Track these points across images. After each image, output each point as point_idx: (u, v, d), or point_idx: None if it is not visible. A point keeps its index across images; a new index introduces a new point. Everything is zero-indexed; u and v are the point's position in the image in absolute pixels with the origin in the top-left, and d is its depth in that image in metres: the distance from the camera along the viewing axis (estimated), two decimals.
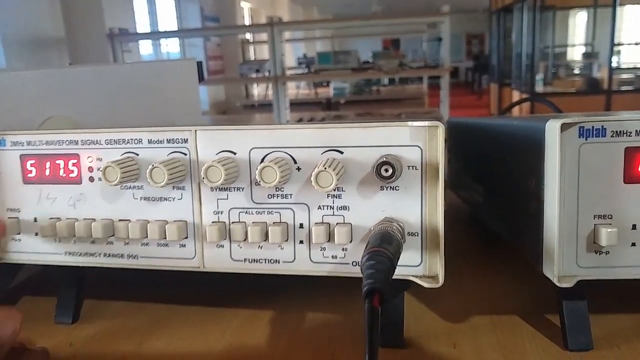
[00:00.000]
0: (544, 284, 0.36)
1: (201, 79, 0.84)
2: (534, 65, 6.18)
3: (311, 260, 0.38)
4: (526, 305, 0.43)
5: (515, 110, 5.11)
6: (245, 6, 9.37)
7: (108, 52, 4.45)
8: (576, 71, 7.66)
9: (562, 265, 0.35)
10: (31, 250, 0.43)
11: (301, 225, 0.38)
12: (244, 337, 0.40)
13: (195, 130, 0.38)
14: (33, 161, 0.41)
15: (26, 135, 0.41)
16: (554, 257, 0.34)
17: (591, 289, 0.36)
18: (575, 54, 8.38)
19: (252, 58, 8.48)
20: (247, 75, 6.14)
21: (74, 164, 0.41)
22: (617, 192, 0.34)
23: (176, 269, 0.40)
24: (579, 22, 8.36)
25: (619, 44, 6.90)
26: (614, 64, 6.04)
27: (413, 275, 0.36)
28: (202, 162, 0.38)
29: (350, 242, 0.37)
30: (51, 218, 0.41)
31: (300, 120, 4.54)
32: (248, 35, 8.70)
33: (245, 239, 0.38)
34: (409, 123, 0.35)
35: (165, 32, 6.71)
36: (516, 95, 6.56)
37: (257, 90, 8.27)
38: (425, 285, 0.36)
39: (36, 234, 0.42)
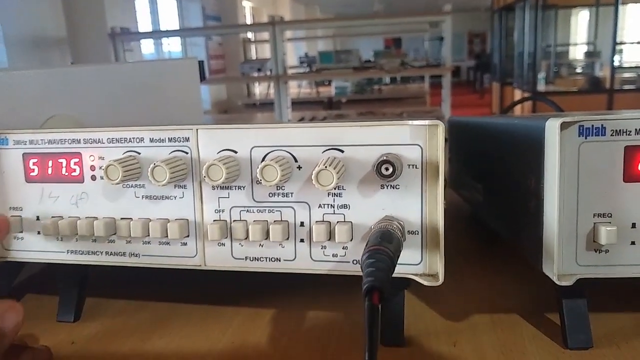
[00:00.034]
0: (544, 282, 0.36)
1: (203, 78, 0.85)
2: (536, 64, 6.17)
3: (312, 259, 0.38)
4: (526, 304, 0.43)
5: (517, 109, 5.11)
6: (247, 5, 9.36)
7: (110, 52, 4.45)
8: (578, 70, 7.64)
9: (561, 264, 0.35)
10: (33, 248, 0.43)
11: (302, 224, 0.38)
12: (245, 336, 0.40)
13: (197, 129, 0.39)
14: (35, 160, 0.42)
15: (28, 134, 0.42)
16: (554, 255, 0.34)
17: (591, 287, 0.36)
18: (577, 52, 8.36)
19: (254, 57, 8.47)
20: (248, 75, 6.14)
21: (76, 163, 0.41)
22: (616, 191, 0.34)
23: (178, 267, 0.40)
24: (581, 21, 8.35)
25: (621, 43, 6.88)
26: (616, 63, 6.03)
27: (413, 274, 0.36)
28: (204, 160, 0.38)
29: (351, 240, 0.37)
30: (53, 217, 0.42)
31: (301, 120, 4.54)
32: (250, 35, 8.70)
33: (247, 237, 0.38)
34: (409, 122, 0.35)
35: (167, 31, 6.71)
36: (518, 94, 6.55)
37: (259, 90, 8.27)
38: (426, 283, 0.36)
39: (38, 233, 0.42)
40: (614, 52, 5.75)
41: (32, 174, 0.42)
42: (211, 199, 0.39)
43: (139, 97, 0.70)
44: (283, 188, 0.38)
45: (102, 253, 0.42)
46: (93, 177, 0.41)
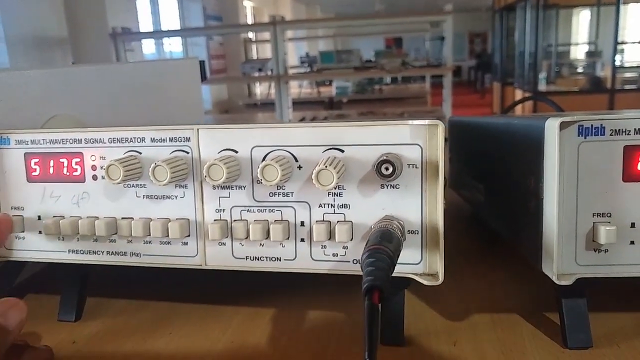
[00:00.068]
0: (544, 282, 0.36)
1: (204, 78, 0.85)
2: (537, 64, 6.16)
3: (312, 258, 0.38)
4: (526, 303, 0.43)
5: (518, 109, 5.11)
6: (248, 5, 9.37)
7: (111, 52, 4.45)
8: (579, 70, 7.64)
9: (561, 263, 0.35)
10: (35, 248, 0.43)
11: (302, 223, 0.38)
12: (245, 335, 0.41)
13: (198, 129, 0.39)
14: (37, 160, 0.42)
15: (30, 134, 0.42)
16: (553, 255, 0.34)
17: (590, 287, 0.36)
18: (578, 52, 8.36)
19: (255, 57, 8.48)
20: (249, 74, 6.14)
21: (77, 163, 0.41)
22: (616, 191, 0.34)
23: (178, 267, 0.40)
24: (582, 21, 8.34)
25: (622, 43, 6.86)
26: (617, 63, 6.02)
27: (413, 273, 0.37)
28: (204, 160, 0.38)
29: (351, 240, 0.37)
30: (55, 216, 0.42)
31: (302, 120, 4.54)
32: (250, 34, 8.70)
33: (247, 237, 0.38)
34: (409, 122, 0.35)
35: (168, 31, 6.71)
36: (519, 94, 6.55)
37: (260, 89, 8.27)
38: (425, 282, 0.36)
39: (40, 232, 0.42)
40: (615, 51, 5.74)
41: (33, 173, 0.42)
42: (212, 199, 0.39)
43: (140, 97, 0.71)
44: (283, 188, 0.38)
45: (103, 252, 0.42)
46: (94, 177, 0.41)
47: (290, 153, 0.37)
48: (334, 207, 0.37)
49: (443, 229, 0.36)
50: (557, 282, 0.34)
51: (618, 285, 0.38)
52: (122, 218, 0.41)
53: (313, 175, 0.34)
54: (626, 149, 0.33)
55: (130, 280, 0.50)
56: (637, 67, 6.91)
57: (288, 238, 0.38)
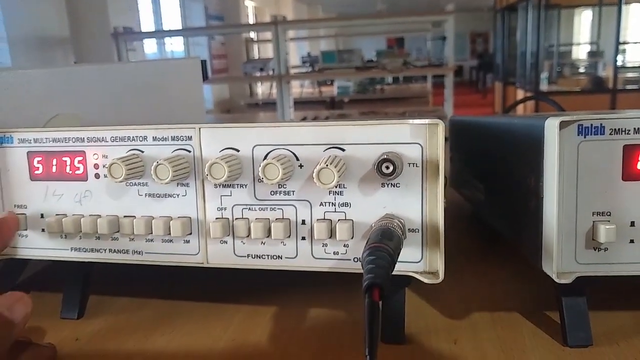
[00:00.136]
0: (544, 281, 0.36)
1: (205, 77, 0.85)
2: (539, 63, 6.16)
3: (313, 256, 0.38)
4: (526, 302, 0.43)
5: (520, 109, 5.10)
6: (250, 5, 9.37)
7: (113, 51, 4.46)
8: (581, 70, 7.63)
9: (561, 262, 0.35)
10: (37, 246, 0.43)
11: (303, 222, 0.38)
12: (246, 333, 0.41)
13: (199, 128, 0.39)
14: (40, 158, 0.42)
15: (33, 133, 0.42)
16: (553, 253, 0.34)
17: (590, 285, 0.36)
18: (580, 52, 8.35)
19: (256, 57, 8.47)
20: (251, 74, 6.14)
21: (80, 161, 0.41)
22: (615, 190, 0.34)
23: (180, 265, 0.41)
24: (584, 21, 8.34)
25: (624, 43, 6.86)
26: (619, 63, 6.02)
27: (414, 271, 0.37)
28: (206, 159, 0.39)
29: (352, 238, 0.37)
30: (57, 214, 0.42)
31: (304, 119, 4.54)
32: (252, 34, 8.70)
33: (248, 235, 0.38)
34: (410, 121, 0.35)
35: (170, 31, 6.71)
36: (520, 94, 6.54)
37: (261, 89, 8.27)
38: (426, 281, 0.36)
39: (43, 230, 0.43)
40: (617, 51, 5.73)
41: (36, 172, 0.42)
42: (213, 197, 0.39)
43: (141, 97, 0.71)
44: (285, 186, 0.38)
45: (105, 250, 0.42)
46: (97, 175, 0.41)
47: (292, 152, 0.37)
48: (334, 205, 0.37)
49: (443, 228, 0.36)
50: (557, 280, 0.35)
51: (618, 284, 0.38)
52: (125, 216, 0.41)
53: (314, 174, 0.34)
54: (626, 148, 0.33)
55: (132, 278, 0.51)
56: (639, 67, 6.89)
57: (289, 236, 0.38)
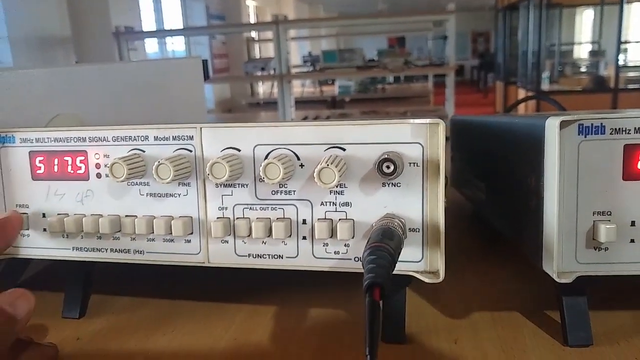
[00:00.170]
0: (545, 280, 0.36)
1: (206, 77, 0.85)
2: (540, 63, 6.15)
3: (314, 256, 0.38)
4: (527, 301, 0.43)
5: (521, 108, 5.10)
6: (251, 4, 9.37)
7: (114, 51, 4.46)
8: (583, 69, 7.62)
9: (561, 261, 0.35)
10: (39, 245, 0.43)
11: (304, 221, 0.38)
12: (247, 333, 0.41)
13: (201, 128, 0.39)
14: (42, 158, 0.42)
15: (35, 133, 0.42)
16: (554, 253, 0.34)
17: (591, 285, 0.36)
18: (581, 52, 8.34)
19: (258, 56, 8.48)
20: (252, 74, 6.14)
21: (81, 161, 0.41)
22: (616, 189, 0.34)
23: (181, 264, 0.41)
24: (585, 20, 8.32)
25: (625, 42, 6.86)
26: (620, 62, 6.01)
27: (414, 271, 0.37)
28: (207, 158, 0.39)
29: (353, 237, 0.37)
30: (59, 214, 0.42)
31: (305, 119, 4.54)
32: (253, 34, 8.70)
33: (250, 234, 0.38)
34: (410, 120, 0.35)
35: (171, 30, 6.71)
36: (522, 94, 6.54)
37: (263, 89, 8.27)
38: (426, 280, 0.36)
39: (44, 230, 0.43)
40: (618, 51, 5.73)
41: (38, 171, 0.42)
42: (215, 197, 0.39)
43: (142, 96, 0.71)
44: (285, 186, 0.38)
45: (107, 250, 0.42)
46: (98, 175, 0.41)
47: (292, 151, 0.37)
48: (335, 205, 0.37)
49: (444, 227, 0.36)
50: (557, 280, 0.35)
51: (618, 283, 0.38)
52: (126, 216, 0.41)
53: (315, 174, 0.35)
54: (626, 147, 0.34)
55: (133, 278, 0.51)
56: None
57: (290, 236, 0.38)
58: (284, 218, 0.38)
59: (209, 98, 6.35)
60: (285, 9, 10.52)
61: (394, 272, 0.31)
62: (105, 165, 0.41)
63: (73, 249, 0.43)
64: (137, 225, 0.40)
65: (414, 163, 0.36)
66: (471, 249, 0.57)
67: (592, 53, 7.79)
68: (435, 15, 5.47)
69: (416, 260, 0.37)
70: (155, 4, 6.45)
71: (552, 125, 0.34)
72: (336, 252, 0.38)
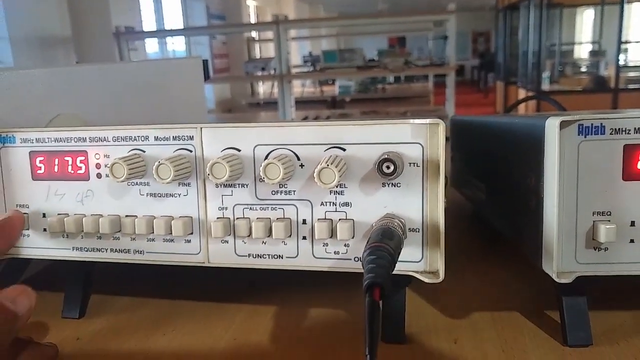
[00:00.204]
0: (545, 280, 0.36)
1: (207, 77, 0.85)
2: (541, 63, 6.15)
3: (314, 256, 0.38)
4: (527, 301, 0.43)
5: (521, 108, 5.10)
6: (251, 4, 9.37)
7: (114, 51, 4.46)
8: (583, 69, 7.62)
9: (561, 262, 0.35)
10: (39, 245, 0.43)
11: (304, 221, 0.38)
12: (247, 333, 0.41)
13: (201, 128, 0.39)
14: (42, 158, 0.42)
15: (35, 133, 0.42)
16: (553, 253, 0.34)
17: (591, 285, 0.36)
18: (582, 52, 8.34)
19: (258, 56, 8.48)
20: (252, 74, 6.14)
21: (81, 161, 0.41)
22: (615, 189, 0.34)
23: (181, 264, 0.41)
24: (586, 20, 8.32)
25: (626, 42, 6.85)
26: (621, 62, 6.01)
27: (414, 271, 0.37)
28: (208, 159, 0.39)
29: (353, 238, 0.37)
30: (59, 214, 0.42)
31: (305, 119, 4.54)
32: (254, 34, 8.71)
33: (250, 234, 0.39)
34: (410, 120, 0.35)
35: (171, 30, 6.72)
36: (522, 94, 6.53)
37: (263, 89, 8.27)
38: (426, 280, 0.36)
39: (44, 230, 0.43)
40: (619, 51, 5.73)
41: (38, 171, 0.42)
42: (215, 197, 0.39)
43: (143, 96, 0.71)
44: (285, 186, 0.38)
45: (107, 250, 0.42)
46: (98, 175, 0.41)
47: (293, 152, 0.37)
48: (335, 205, 0.37)
49: (444, 227, 0.36)
50: (557, 280, 0.35)
51: (618, 284, 0.38)
52: (126, 216, 0.41)
53: (315, 174, 0.35)
54: (626, 147, 0.34)
55: (133, 278, 0.51)
56: None
57: (290, 236, 0.38)
58: (284, 218, 0.38)
59: (209, 98, 6.35)
60: (286, 9, 10.52)
61: (394, 272, 0.31)
62: (106, 166, 0.41)
63: (73, 249, 0.43)
64: (137, 226, 0.40)
65: (414, 163, 0.36)
66: (471, 249, 0.57)
67: (593, 53, 7.79)
68: (436, 15, 5.47)
69: (416, 260, 0.37)
70: (155, 4, 6.45)
71: (552, 126, 0.34)
72: (336, 252, 0.38)
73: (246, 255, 0.40)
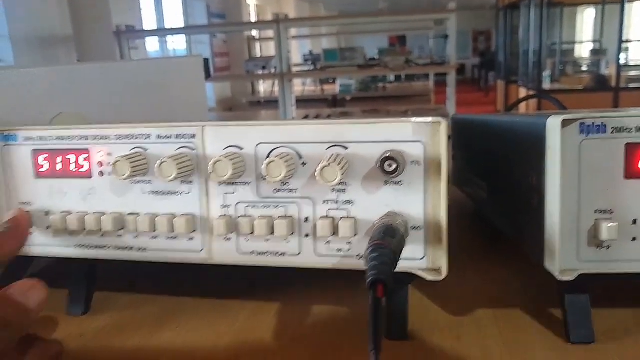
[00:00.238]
0: (547, 278, 0.36)
1: (207, 75, 0.86)
2: (541, 62, 6.15)
3: (316, 254, 0.38)
4: (529, 299, 0.43)
5: (522, 107, 5.09)
6: (251, 3, 9.37)
7: (115, 49, 4.46)
8: (584, 68, 7.62)
9: (563, 260, 0.35)
10: (43, 243, 0.44)
11: (306, 219, 0.38)
12: (251, 330, 0.41)
13: (203, 126, 0.39)
14: (45, 156, 0.42)
15: (38, 131, 0.42)
16: (556, 251, 0.35)
17: (593, 283, 0.36)
18: (583, 50, 8.34)
19: (258, 55, 8.48)
20: (253, 72, 6.15)
21: (84, 159, 0.42)
22: (617, 188, 0.34)
23: (184, 262, 0.41)
24: (587, 19, 8.32)
25: (627, 41, 6.85)
26: (622, 61, 6.01)
27: (417, 269, 0.37)
28: (210, 157, 0.39)
29: (355, 235, 0.37)
30: (62, 212, 0.42)
31: (306, 117, 4.53)
32: (254, 32, 8.70)
33: (252, 232, 0.39)
34: (412, 119, 0.35)
35: (172, 29, 6.71)
36: (523, 93, 6.53)
37: (263, 87, 8.27)
38: (429, 278, 0.36)
39: (47, 228, 0.43)
40: (620, 50, 5.73)
41: (41, 170, 0.42)
42: (217, 195, 0.40)
43: (144, 95, 0.71)
44: (288, 184, 0.38)
45: (110, 248, 0.42)
46: (101, 173, 0.41)
47: (295, 150, 0.38)
48: (337, 203, 0.37)
49: (447, 225, 0.36)
50: (559, 278, 0.35)
51: (620, 281, 0.38)
52: (129, 214, 0.41)
53: (317, 172, 0.35)
54: (628, 146, 0.34)
55: (137, 275, 0.51)
56: None
57: (292, 234, 0.39)
58: (286, 216, 0.38)
59: (210, 96, 6.35)
60: (286, 8, 10.52)
61: (397, 270, 0.31)
62: (108, 164, 0.41)
63: (76, 247, 0.43)
64: (140, 223, 0.40)
65: (415, 161, 0.36)
66: (473, 247, 0.57)
67: (594, 52, 7.79)
68: (436, 14, 5.47)
69: (418, 257, 0.37)
70: (156, 3, 6.45)
71: (553, 124, 0.34)
72: (338, 250, 0.38)
73: (249, 253, 0.40)
